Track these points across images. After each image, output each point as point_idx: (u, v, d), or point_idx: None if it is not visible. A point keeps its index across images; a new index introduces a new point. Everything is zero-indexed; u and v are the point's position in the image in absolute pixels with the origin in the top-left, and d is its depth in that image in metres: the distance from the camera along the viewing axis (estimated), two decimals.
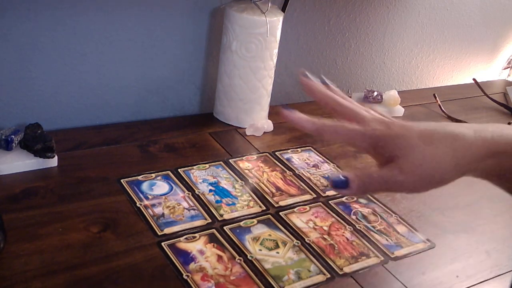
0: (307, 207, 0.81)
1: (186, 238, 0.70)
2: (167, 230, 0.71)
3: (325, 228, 0.77)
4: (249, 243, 0.71)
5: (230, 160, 0.90)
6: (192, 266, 0.66)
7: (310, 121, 0.51)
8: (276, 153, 0.95)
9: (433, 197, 0.90)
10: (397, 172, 0.49)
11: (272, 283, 0.65)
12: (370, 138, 0.50)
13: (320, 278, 0.67)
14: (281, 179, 0.88)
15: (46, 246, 0.65)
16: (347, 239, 0.75)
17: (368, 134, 0.50)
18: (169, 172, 0.84)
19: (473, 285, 0.71)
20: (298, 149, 0.98)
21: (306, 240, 0.74)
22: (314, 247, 0.73)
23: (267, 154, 0.94)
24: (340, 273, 0.69)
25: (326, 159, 0.96)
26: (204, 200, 0.79)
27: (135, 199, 0.77)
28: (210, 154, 0.92)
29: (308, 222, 0.78)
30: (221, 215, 0.76)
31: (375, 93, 1.18)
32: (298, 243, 0.73)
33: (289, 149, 0.97)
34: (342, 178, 0.50)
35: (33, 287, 0.59)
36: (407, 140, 0.49)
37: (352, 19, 1.23)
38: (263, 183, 0.85)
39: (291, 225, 0.76)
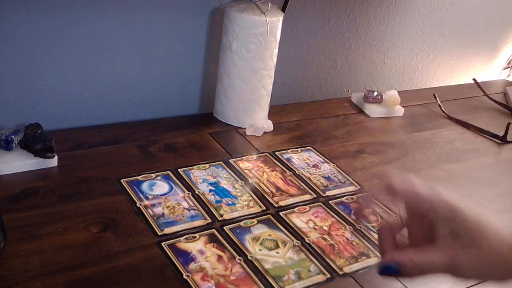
0: (307, 207, 0.81)
1: (186, 238, 0.70)
2: (167, 230, 0.71)
3: (325, 228, 0.77)
4: (249, 243, 0.71)
5: (230, 160, 0.90)
6: (192, 266, 0.66)
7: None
8: (276, 153, 0.95)
9: None
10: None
11: (272, 283, 0.65)
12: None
13: (320, 278, 0.67)
14: (281, 179, 0.88)
15: (46, 246, 0.65)
16: (347, 239, 0.75)
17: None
18: (169, 172, 0.84)
19: (473, 285, 0.71)
20: (298, 149, 0.98)
21: (306, 240, 0.74)
22: (314, 247, 0.73)
23: (267, 154, 0.94)
24: (340, 273, 0.69)
25: (326, 159, 0.96)
26: (204, 200, 0.79)
27: (135, 199, 0.77)
28: (210, 154, 0.92)
29: (308, 222, 0.78)
30: (221, 215, 0.76)
31: (375, 93, 1.18)
32: (298, 243, 0.73)
33: (289, 149, 0.97)
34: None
35: (33, 287, 0.59)
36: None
37: (352, 19, 1.23)
38: (263, 183, 0.85)
39: (291, 225, 0.76)
